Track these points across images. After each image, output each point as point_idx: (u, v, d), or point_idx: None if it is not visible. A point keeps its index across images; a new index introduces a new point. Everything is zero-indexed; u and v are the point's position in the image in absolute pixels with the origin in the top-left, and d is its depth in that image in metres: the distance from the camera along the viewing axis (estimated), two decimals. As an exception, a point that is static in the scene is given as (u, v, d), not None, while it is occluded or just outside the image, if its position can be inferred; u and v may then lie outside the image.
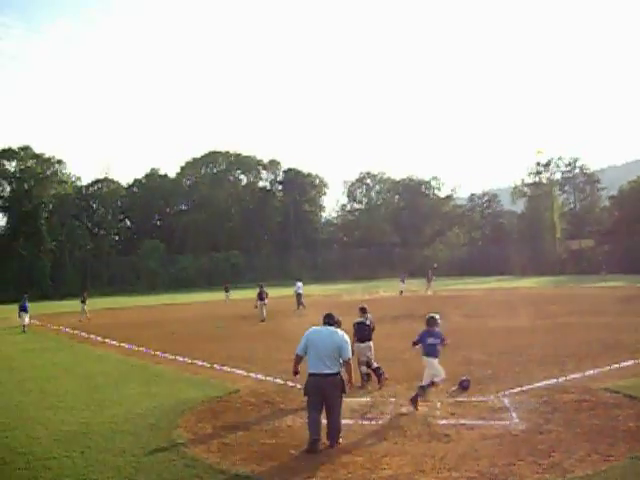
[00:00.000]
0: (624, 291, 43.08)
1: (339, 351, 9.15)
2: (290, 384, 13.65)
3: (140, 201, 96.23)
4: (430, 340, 11.37)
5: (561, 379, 13.21)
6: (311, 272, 72.29)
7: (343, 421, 9.57)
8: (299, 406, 11.62)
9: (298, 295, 36.72)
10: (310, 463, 8.33)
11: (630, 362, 14.89)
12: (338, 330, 9.52)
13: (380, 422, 10.38)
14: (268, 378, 14.62)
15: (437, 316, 11.74)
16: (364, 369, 13.45)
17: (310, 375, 9.22)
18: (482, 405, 11.32)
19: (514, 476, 7.54)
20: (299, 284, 37.23)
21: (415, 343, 11.74)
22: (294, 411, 11.30)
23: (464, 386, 12.59)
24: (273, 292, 47.75)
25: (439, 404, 11.46)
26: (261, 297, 31.72)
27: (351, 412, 10.74)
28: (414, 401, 11.03)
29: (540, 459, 8.11)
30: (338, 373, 9.17)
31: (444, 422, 10.18)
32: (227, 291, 47.74)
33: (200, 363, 17.43)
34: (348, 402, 9.72)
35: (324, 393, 9.09)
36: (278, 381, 14.18)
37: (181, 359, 18.34)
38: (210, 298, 53.31)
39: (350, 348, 9.43)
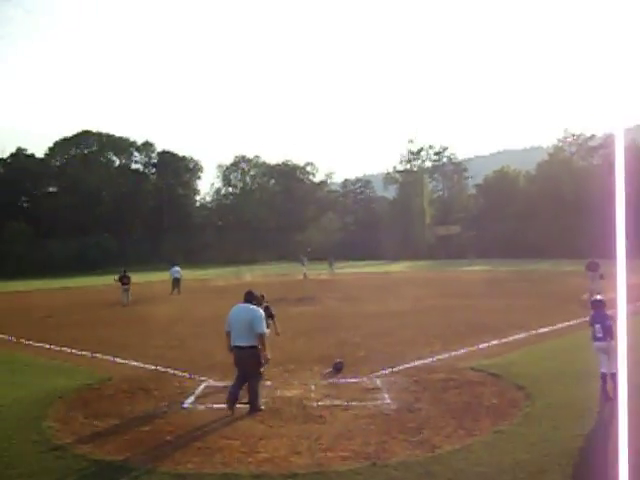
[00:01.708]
0: (489, 275, 45.14)
1: (251, 325, 9.92)
2: (162, 370, 13.51)
3: (5, 182, 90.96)
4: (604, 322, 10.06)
5: (430, 359, 13.76)
6: (184, 256, 71.04)
7: (217, 405, 9.91)
8: (173, 392, 11.53)
9: (175, 280, 36.01)
10: (186, 448, 8.26)
11: (494, 342, 15.75)
12: (253, 306, 10.39)
13: (256, 406, 10.41)
14: (141, 365, 14.35)
15: (600, 297, 10.74)
16: None
17: (233, 348, 10.18)
18: (355, 386, 11.61)
19: (386, 453, 7.78)
20: (176, 268, 36.63)
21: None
22: (168, 397, 11.17)
23: (338, 368, 12.86)
24: (145, 277, 46.95)
25: (313, 386, 11.65)
26: (123, 282, 31.02)
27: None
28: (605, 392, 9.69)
29: (410, 436, 8.42)
30: (255, 346, 10.02)
31: (318, 404, 10.37)
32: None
33: (70, 350, 16.83)
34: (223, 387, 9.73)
35: (242, 364, 10.12)
36: (152, 367, 13.96)
37: (50, 347, 17.66)
38: (81, 284, 51.30)
39: (263, 323, 10.20)
